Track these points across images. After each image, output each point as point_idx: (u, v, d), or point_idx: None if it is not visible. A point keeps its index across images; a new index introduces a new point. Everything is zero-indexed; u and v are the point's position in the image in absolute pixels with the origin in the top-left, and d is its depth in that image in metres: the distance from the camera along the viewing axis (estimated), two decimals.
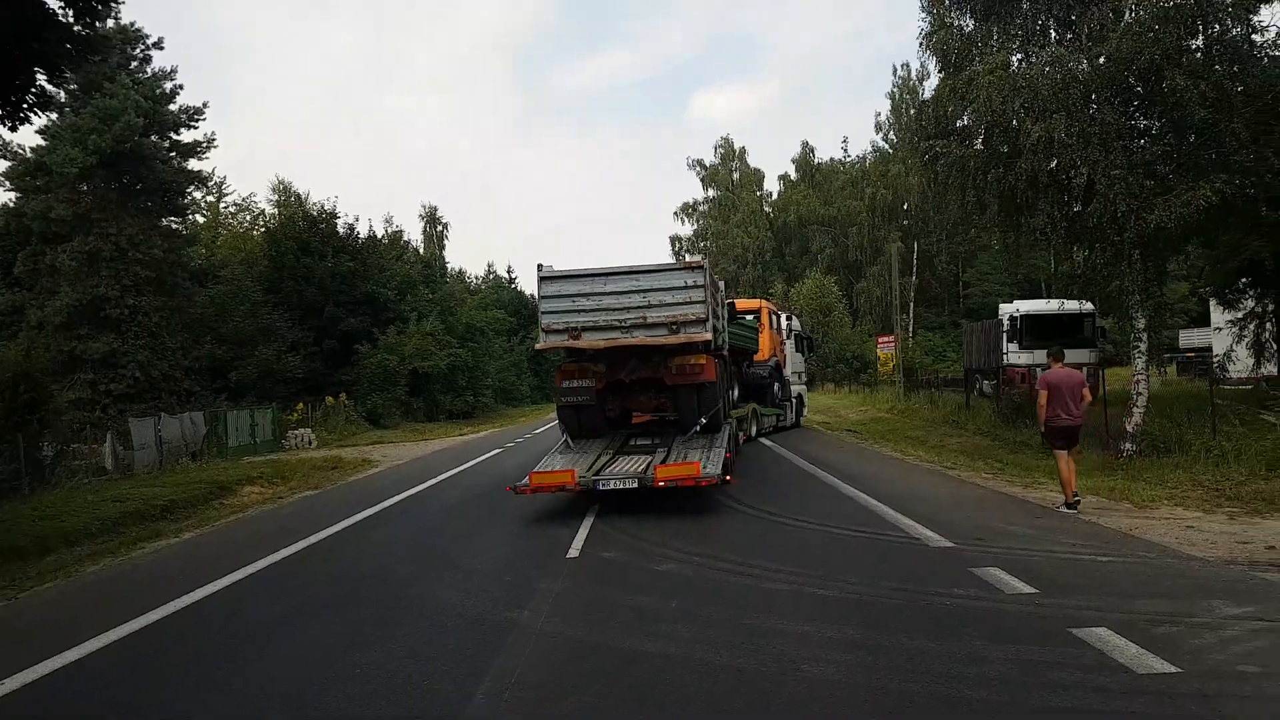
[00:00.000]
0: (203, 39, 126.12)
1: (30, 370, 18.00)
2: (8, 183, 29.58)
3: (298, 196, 41.68)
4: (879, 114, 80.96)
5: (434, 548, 10.03)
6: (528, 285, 59.15)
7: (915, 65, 61.32)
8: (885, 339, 48.68)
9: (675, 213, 78.99)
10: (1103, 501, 10.72)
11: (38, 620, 7.89)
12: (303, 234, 35.95)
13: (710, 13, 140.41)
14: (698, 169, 77.66)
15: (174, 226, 32.50)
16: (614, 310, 12.27)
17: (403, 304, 38.16)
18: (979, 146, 15.38)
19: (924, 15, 16.25)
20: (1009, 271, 57.42)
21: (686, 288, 12.23)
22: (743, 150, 78.05)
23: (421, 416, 36.53)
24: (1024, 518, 9.93)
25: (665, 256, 73.95)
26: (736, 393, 18.93)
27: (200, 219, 41.07)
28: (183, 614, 7.43)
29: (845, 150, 79.31)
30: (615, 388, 13.35)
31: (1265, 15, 14.53)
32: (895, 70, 65.85)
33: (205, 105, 31.79)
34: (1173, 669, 4.78)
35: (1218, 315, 27.85)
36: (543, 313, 12.68)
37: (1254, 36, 13.94)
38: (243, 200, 45.43)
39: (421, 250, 59.03)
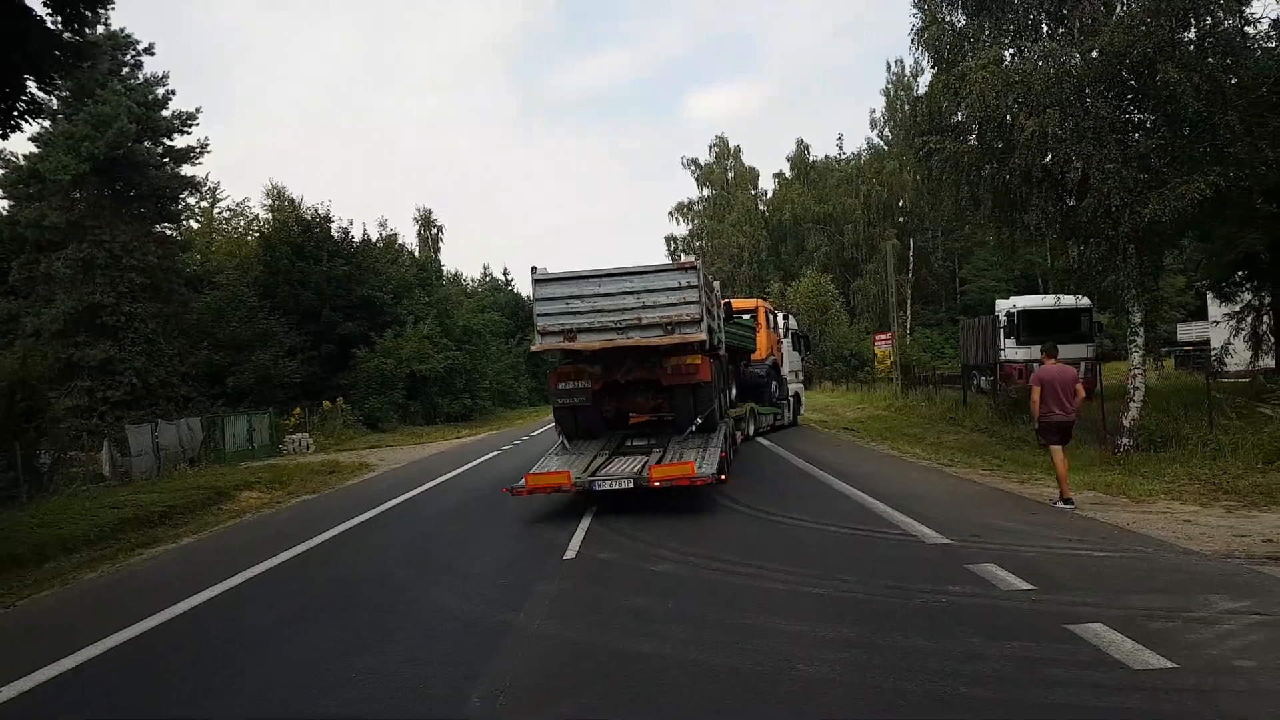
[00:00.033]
0: (198, 43, 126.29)
1: (27, 378, 17.97)
2: (1, 191, 29.58)
3: (291, 201, 41.65)
4: (874, 111, 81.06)
5: (431, 551, 10.02)
6: (524, 287, 59.05)
7: (909, 61, 61.32)
8: (882, 336, 48.67)
9: (670, 212, 79.25)
10: (1100, 496, 10.72)
11: (35, 627, 7.89)
12: (297, 238, 35.94)
13: (705, 12, 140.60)
14: (692, 168, 77.81)
15: (168, 232, 32.54)
16: (609, 312, 12.28)
17: (399, 307, 38.16)
18: (973, 142, 15.36)
19: (915, 11, 16.24)
20: (1006, 267, 57.42)
21: (680, 288, 12.22)
22: (737, 149, 78.20)
23: (419, 420, 36.52)
24: (1020, 514, 9.92)
25: (661, 257, 74.08)
26: (734, 392, 18.95)
27: (195, 225, 41.09)
28: (180, 620, 7.43)
29: (840, 148, 79.26)
30: (611, 389, 13.36)
31: (1258, 6, 14.56)
32: (889, 67, 65.77)
33: (198, 110, 31.83)
34: (1169, 664, 4.77)
35: (1215, 308, 27.82)
36: (538, 315, 12.68)
37: (1247, 28, 13.94)
38: (237, 205, 45.57)
39: (417, 253, 59.02)
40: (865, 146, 72.74)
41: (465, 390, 40.82)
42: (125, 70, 30.55)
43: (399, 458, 23.34)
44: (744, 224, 73.34)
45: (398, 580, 8.53)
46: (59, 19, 13.54)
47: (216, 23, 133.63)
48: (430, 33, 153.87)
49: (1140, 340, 14.68)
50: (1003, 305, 26.46)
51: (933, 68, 16.38)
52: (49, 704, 5.61)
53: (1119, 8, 13.76)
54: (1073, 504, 10.04)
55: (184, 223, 36.58)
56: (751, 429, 20.53)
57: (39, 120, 20.49)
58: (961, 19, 15.88)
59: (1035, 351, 17.51)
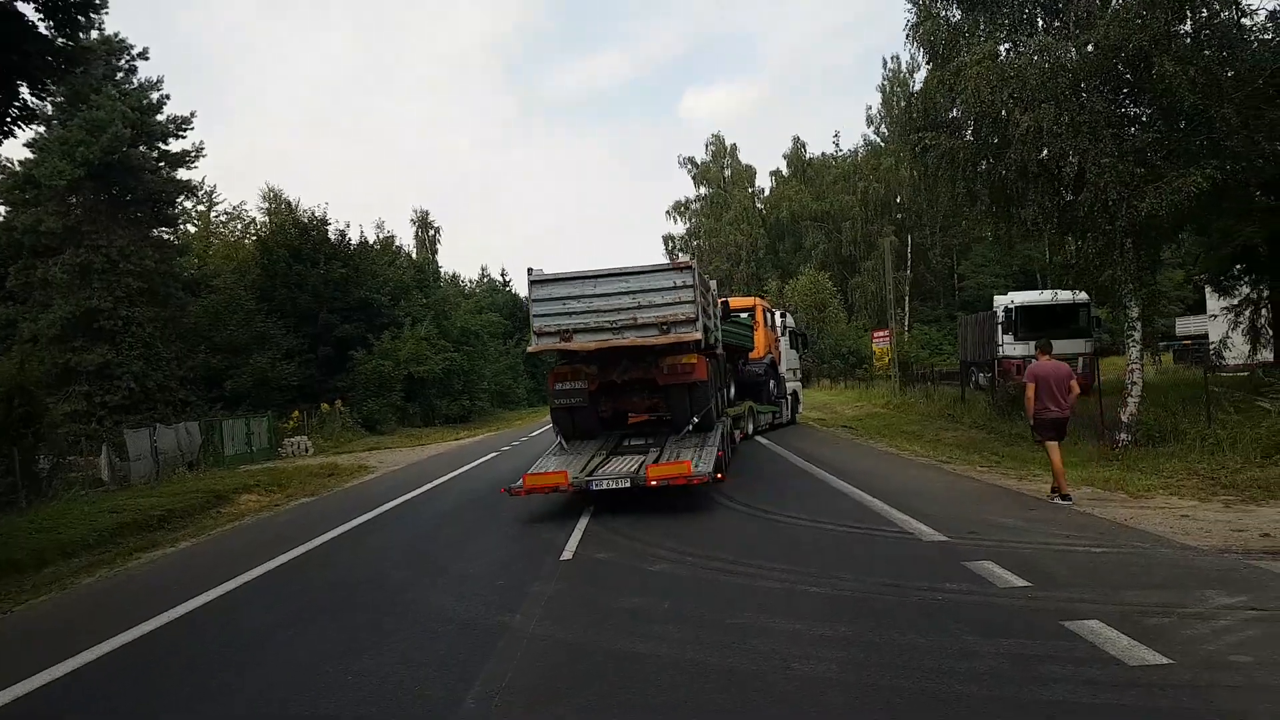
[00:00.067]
0: (194, 47, 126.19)
1: (25, 383, 18.01)
2: None
3: (288, 204, 41.63)
4: (870, 107, 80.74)
5: (428, 553, 10.01)
6: (522, 288, 58.87)
7: (905, 58, 61.28)
8: (880, 334, 48.64)
9: (667, 211, 79.08)
10: (1098, 492, 10.71)
11: (33, 632, 7.88)
12: (294, 241, 35.92)
13: (701, 12, 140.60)
14: (689, 167, 77.71)
15: (165, 237, 32.51)
16: (604, 312, 12.32)
17: (396, 309, 38.13)
18: (968, 138, 15.35)
19: (910, 6, 16.24)
20: (1004, 263, 57.37)
21: (676, 288, 12.24)
22: (734, 147, 78.16)
23: (418, 421, 36.49)
24: (1018, 510, 9.91)
25: (659, 256, 74.11)
26: (733, 391, 18.96)
27: (191, 228, 41.07)
28: (178, 624, 7.42)
29: (837, 145, 79.01)
30: (608, 389, 13.39)
31: None
32: (885, 63, 65.75)
33: (193, 114, 31.76)
34: (1165, 660, 4.76)
35: (1213, 302, 27.88)
36: (534, 316, 12.70)
37: (1243, 20, 13.91)
38: (234, 209, 45.45)
39: (414, 255, 59.00)
40: (862, 143, 72.58)
41: (463, 391, 40.78)
42: (120, 75, 30.48)
43: (397, 460, 23.33)
44: (741, 222, 73.29)
45: (395, 582, 8.52)
46: (51, 24, 13.56)
47: (213, 25, 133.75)
48: (426, 33, 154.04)
49: (1138, 335, 14.66)
50: (1000, 301, 26.47)
51: (928, 63, 16.38)
52: (46, 708, 5.61)
53: (1114, 1, 13.75)
54: (1070, 500, 10.04)
55: (181, 227, 36.56)
56: (750, 427, 20.53)
57: (33, 126, 20.56)
58: (956, 14, 15.87)
59: (1033, 347, 17.55)
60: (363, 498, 15.32)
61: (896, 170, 59.44)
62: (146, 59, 30.95)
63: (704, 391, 13.09)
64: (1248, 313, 22.85)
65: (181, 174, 32.34)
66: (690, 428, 12.99)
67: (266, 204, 43.55)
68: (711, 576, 7.66)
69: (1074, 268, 16.67)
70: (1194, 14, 13.41)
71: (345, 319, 35.13)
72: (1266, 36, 14.19)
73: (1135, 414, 14.10)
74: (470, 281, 71.95)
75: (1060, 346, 21.38)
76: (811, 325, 55.13)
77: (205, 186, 40.89)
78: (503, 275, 73.14)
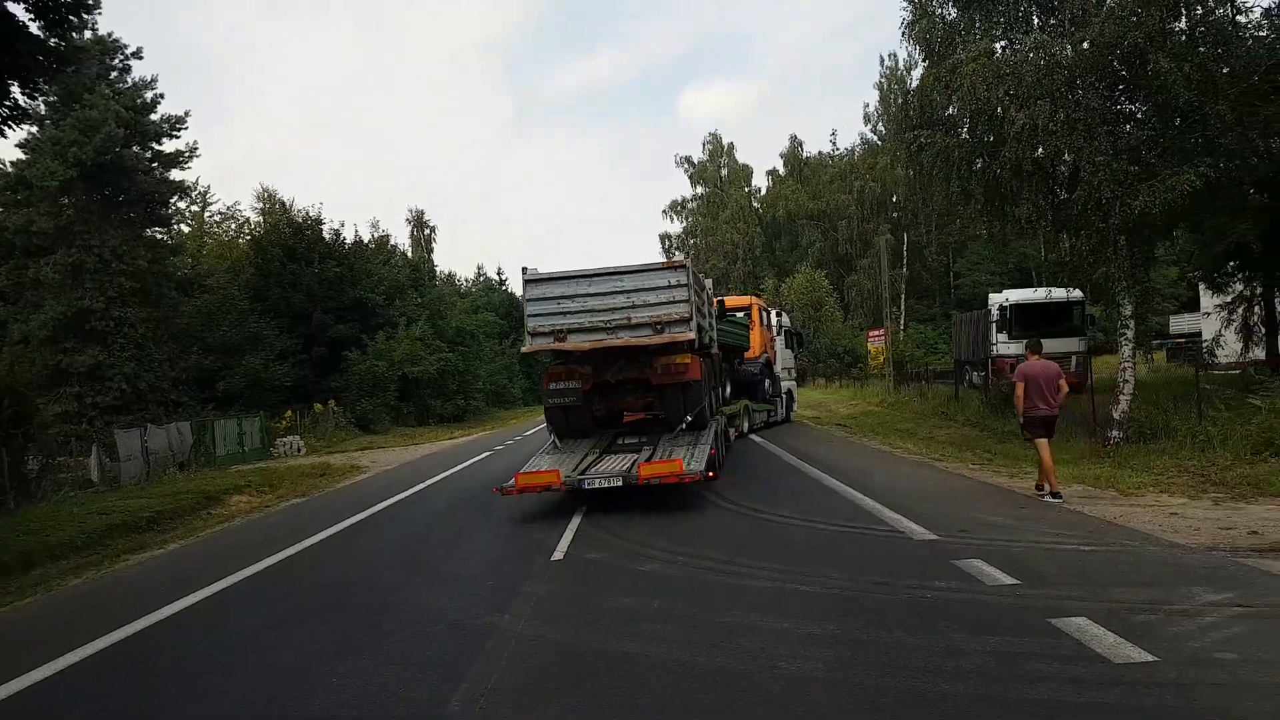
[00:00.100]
0: (191, 47, 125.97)
1: (15, 385, 17.97)
2: None
3: (283, 204, 41.58)
4: (867, 105, 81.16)
5: (419, 553, 9.99)
6: (518, 287, 58.89)
7: (902, 56, 61.26)
8: (875, 332, 48.67)
9: (664, 210, 79.17)
10: (1088, 489, 10.71)
11: (19, 633, 7.84)
12: (288, 241, 35.86)
13: (700, 10, 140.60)
14: (686, 166, 77.76)
15: (158, 237, 32.44)
16: (599, 312, 12.32)
17: (391, 309, 38.08)
18: (964, 136, 15.34)
19: (906, 4, 16.21)
20: (999, 261, 57.41)
21: (670, 287, 12.25)
22: (731, 146, 78.22)
23: (412, 421, 36.44)
24: (1008, 508, 9.90)
25: (656, 254, 74.06)
26: (729, 390, 18.97)
27: (185, 229, 40.94)
28: (164, 625, 7.38)
29: (834, 144, 79.13)
30: (602, 388, 13.40)
31: None
32: (883, 61, 65.79)
33: (187, 114, 31.70)
34: (1150, 658, 4.75)
35: (1207, 300, 27.91)
36: (528, 315, 12.69)
37: (1238, 17, 13.90)
38: (228, 209, 45.41)
39: (409, 254, 58.91)
40: (859, 142, 72.57)
41: (458, 391, 40.74)
42: (113, 75, 30.39)
43: (390, 460, 23.28)
44: (738, 221, 73.31)
45: (384, 583, 8.49)
46: (43, 24, 13.52)
47: (212, 25, 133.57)
48: (425, 33, 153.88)
49: (1130, 333, 14.68)
50: (995, 299, 26.45)
51: (924, 61, 16.38)
52: (30, 711, 5.57)
53: None
54: (1061, 497, 10.03)
55: (174, 227, 36.43)
56: (745, 426, 20.55)
57: (25, 126, 20.45)
58: (952, 11, 15.86)
59: (1024, 347, 17.58)
60: (354, 498, 15.29)
61: (893, 169, 59.26)
62: (140, 59, 30.96)
63: (698, 391, 13.08)
64: (1241, 310, 22.90)
65: (175, 174, 32.35)
66: (684, 426, 12.99)
67: (261, 204, 43.52)
68: (702, 576, 7.64)
69: (1068, 266, 16.66)
70: (1189, 11, 13.39)
71: (339, 319, 35.08)
72: (1261, 33, 14.17)
73: (1127, 411, 14.10)
74: (466, 281, 71.98)
75: (1054, 345, 21.49)
76: (808, 324, 55.18)
77: (199, 186, 40.83)
78: (499, 274, 73.15)
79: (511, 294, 66.16)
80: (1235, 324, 23.21)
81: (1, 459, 14.89)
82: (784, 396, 25.60)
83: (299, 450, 26.47)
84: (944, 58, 15.10)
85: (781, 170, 77.12)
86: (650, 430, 13.63)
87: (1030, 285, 32.16)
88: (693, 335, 12.15)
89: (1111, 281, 14.58)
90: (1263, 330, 22.16)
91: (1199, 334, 34.99)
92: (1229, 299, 23.27)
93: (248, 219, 43.83)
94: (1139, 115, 14.77)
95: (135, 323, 27.84)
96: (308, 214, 38.14)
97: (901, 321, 60.29)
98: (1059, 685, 4.50)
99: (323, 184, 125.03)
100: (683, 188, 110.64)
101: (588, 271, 12.50)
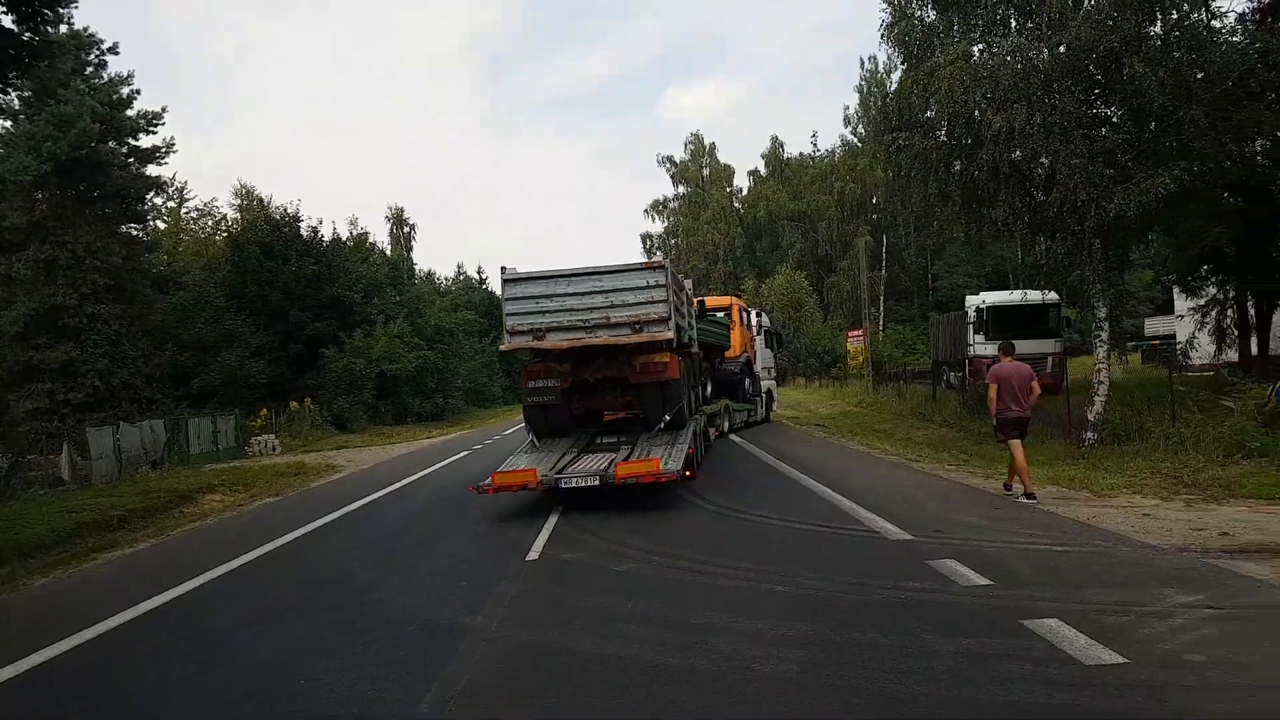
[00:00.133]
0: (168, 43, 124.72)
1: None
2: None
3: (260, 200, 41.17)
4: (847, 108, 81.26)
5: (393, 552, 9.91)
6: (498, 286, 58.80)
7: (882, 58, 61.51)
8: (854, 333, 48.91)
9: (646, 210, 79.19)
10: (1063, 491, 10.77)
11: None
12: (266, 238, 35.46)
13: (683, 10, 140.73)
14: (668, 165, 77.89)
15: (134, 233, 31.97)
16: (577, 311, 12.38)
17: (369, 307, 37.77)
18: (942, 138, 15.41)
19: (885, 6, 16.28)
20: (977, 263, 57.72)
21: (649, 287, 12.32)
22: (712, 146, 78.41)
23: (389, 420, 36.18)
24: (983, 509, 9.95)
25: (638, 254, 74.10)
26: (710, 389, 19.02)
27: (161, 225, 40.47)
28: (129, 626, 7.24)
29: (814, 145, 79.53)
30: (581, 387, 13.40)
31: (1223, 1, 14.65)
32: (863, 64, 66.13)
33: (164, 110, 31.31)
34: (1121, 660, 4.76)
35: (1181, 303, 28.23)
36: (507, 314, 12.75)
37: (1213, 22, 14.05)
38: (205, 205, 44.89)
39: (389, 252, 58.57)
40: (839, 144, 72.85)
41: (437, 390, 40.50)
42: (89, 70, 29.98)
43: (366, 459, 23.11)
44: (719, 221, 73.47)
45: (357, 582, 8.42)
46: (15, 18, 13.33)
47: (192, 21, 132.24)
48: (405, 32, 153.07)
49: (1105, 335, 14.78)
50: (972, 301, 26.64)
51: (903, 64, 16.44)
52: None
53: (1087, 2, 13.83)
54: (1035, 498, 10.09)
55: (150, 223, 35.99)
56: (726, 425, 20.60)
57: None
58: (931, 14, 15.94)
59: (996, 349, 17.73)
60: (329, 497, 15.15)
61: (872, 171, 59.72)
62: (117, 54, 30.48)
63: (676, 390, 13.11)
64: (1214, 313, 23.17)
65: (152, 170, 31.92)
66: (662, 426, 13.00)
67: (239, 200, 43.10)
68: (678, 576, 7.62)
69: (1044, 268, 16.82)
70: (1164, 16, 13.53)
71: (317, 316, 34.76)
72: (1235, 39, 14.34)
73: (1102, 413, 14.22)
74: (446, 279, 71.64)
75: (1030, 346, 21.71)
76: (788, 324, 55.38)
77: (176, 182, 40.31)
78: (479, 273, 72.91)
79: (491, 293, 65.92)
80: (1209, 327, 23.48)
81: None
82: (764, 396, 25.69)
83: (274, 449, 26.23)
84: (922, 60, 15.16)
85: (763, 171, 77.44)
86: (629, 430, 13.64)
87: (1007, 288, 32.41)
88: (671, 335, 12.19)
89: (1086, 284, 14.70)
90: (1235, 333, 22.42)
91: (1173, 336, 35.38)
92: (1202, 302, 23.54)
93: (225, 215, 43.43)
94: (1114, 119, 14.91)
95: (109, 319, 27.44)
96: (285, 211, 37.78)
97: (880, 322, 60.65)
98: (1030, 687, 4.50)
99: (302, 182, 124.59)
100: (664, 187, 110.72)
101: (567, 271, 12.56)
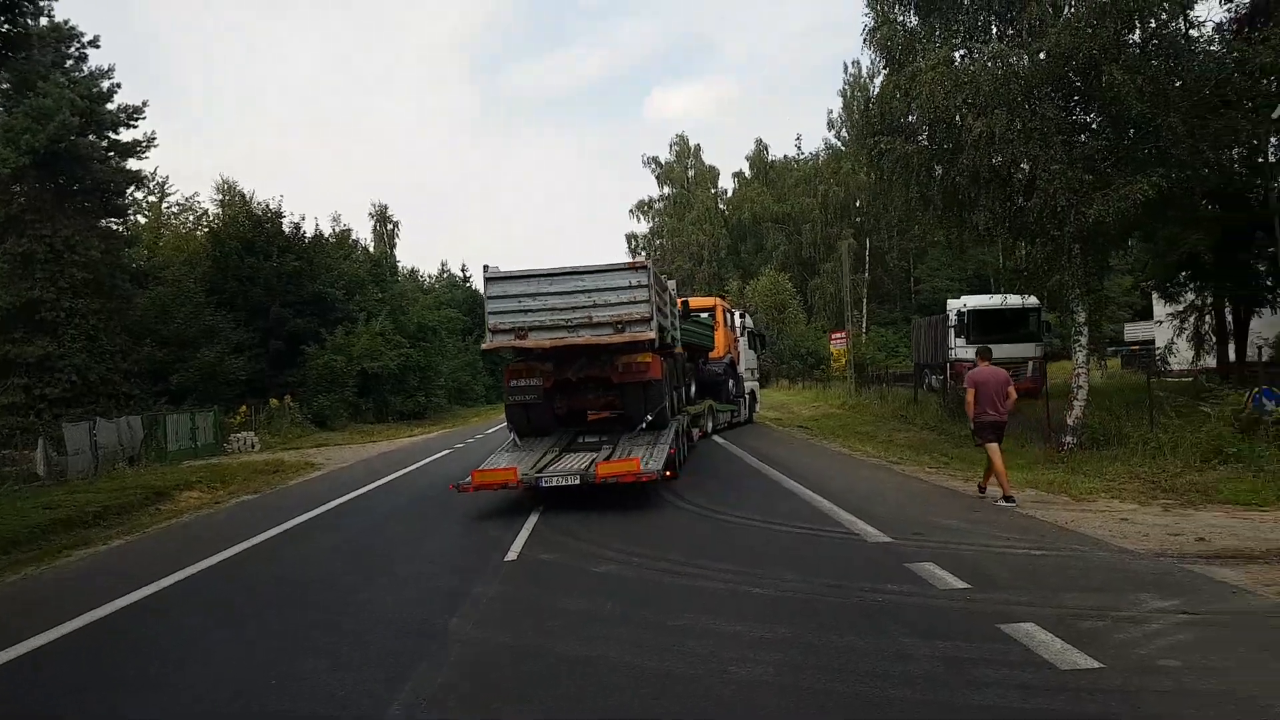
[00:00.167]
0: (152, 38, 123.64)
1: None
2: None
3: (242, 196, 40.79)
4: (831, 112, 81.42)
5: (370, 552, 9.85)
6: (482, 284, 58.53)
7: (865, 63, 61.74)
8: (838, 335, 49.08)
9: (631, 210, 79.13)
10: (1041, 494, 10.82)
11: None
12: (247, 234, 35.16)
13: (670, 11, 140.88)
14: (653, 166, 77.80)
15: (113, 227, 31.60)
16: (560, 310, 12.42)
17: (351, 303, 37.53)
18: (923, 143, 15.46)
19: (868, 11, 16.32)
20: (958, 267, 58.02)
21: (631, 287, 12.36)
22: (698, 148, 78.42)
23: (370, 418, 35.95)
24: (963, 511, 9.98)
25: (623, 254, 74.05)
26: (694, 389, 19.05)
27: (142, 219, 40.06)
28: (97, 626, 7.12)
29: (799, 148, 79.68)
30: (563, 386, 13.39)
31: (1201, 10, 14.80)
32: (846, 68, 66.29)
33: (145, 104, 30.89)
34: (1096, 665, 4.76)
35: (1160, 308, 28.46)
36: (489, 313, 12.80)
37: (1191, 31, 14.17)
38: (186, 200, 44.38)
39: (372, 249, 58.21)
40: (823, 147, 73.02)
41: (419, 388, 40.29)
42: (69, 63, 29.63)
43: (346, 457, 22.94)
44: (704, 222, 73.55)
45: (332, 582, 8.35)
46: None
47: (176, 17, 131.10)
48: (392, 29, 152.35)
49: (1084, 340, 14.87)
50: (953, 305, 26.78)
51: (885, 69, 16.49)
52: None
53: (1066, 9, 13.92)
54: (1014, 501, 10.13)
55: (130, 217, 35.58)
56: (710, 426, 20.62)
57: None
58: (913, 20, 15.99)
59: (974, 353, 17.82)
60: (306, 495, 15.03)
61: (855, 174, 59.88)
62: (98, 47, 30.15)
63: (659, 390, 13.13)
64: (1192, 319, 23.40)
65: (132, 164, 31.51)
66: (644, 426, 13.00)
67: (220, 195, 42.65)
68: (658, 578, 7.59)
69: (1024, 273, 16.88)
70: (1143, 24, 13.63)
71: (298, 313, 34.48)
72: (1213, 48, 14.47)
73: (1081, 417, 14.30)
74: (430, 277, 71.28)
75: (1010, 350, 21.83)
76: (771, 326, 55.49)
77: (157, 177, 39.89)
78: (463, 271, 72.46)
79: (475, 291, 65.54)
80: (1187, 333, 23.71)
81: None
82: (747, 397, 25.75)
83: (253, 446, 26.02)
84: (904, 65, 15.21)
85: (747, 173, 77.52)
86: (612, 429, 13.64)
87: (988, 292, 32.64)
88: (653, 335, 12.22)
89: (1066, 289, 14.78)
90: (1214, 339, 22.65)
91: (1153, 342, 35.66)
92: (1181, 308, 23.76)
93: (206, 211, 43.00)
94: (1093, 126, 15.01)
95: (87, 314, 27.14)
96: (268, 207, 37.44)
97: (863, 325, 60.86)
98: (1005, 691, 4.50)
99: (288, 180, 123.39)
100: (650, 188, 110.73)
101: (549, 270, 12.61)
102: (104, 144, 30.18)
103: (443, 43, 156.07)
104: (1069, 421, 14.30)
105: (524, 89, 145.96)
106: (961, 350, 24.67)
